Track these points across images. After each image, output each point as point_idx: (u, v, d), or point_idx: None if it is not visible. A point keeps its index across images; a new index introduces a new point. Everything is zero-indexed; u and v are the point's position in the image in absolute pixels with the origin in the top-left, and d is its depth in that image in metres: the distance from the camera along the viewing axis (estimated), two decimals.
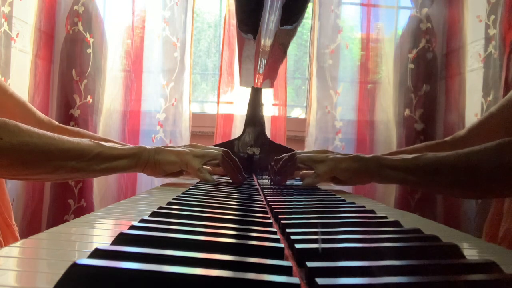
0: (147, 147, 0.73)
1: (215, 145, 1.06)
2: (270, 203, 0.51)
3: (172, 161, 0.74)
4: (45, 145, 0.55)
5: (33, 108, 0.86)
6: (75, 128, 1.00)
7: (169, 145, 1.42)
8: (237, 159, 0.81)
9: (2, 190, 0.77)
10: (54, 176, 0.61)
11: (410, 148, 0.92)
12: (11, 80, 1.20)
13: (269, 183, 0.88)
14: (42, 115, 0.87)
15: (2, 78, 1.15)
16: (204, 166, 0.78)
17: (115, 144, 0.70)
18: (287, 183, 0.84)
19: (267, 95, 1.42)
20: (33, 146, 0.53)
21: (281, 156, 1.02)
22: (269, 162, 1.06)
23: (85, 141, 0.62)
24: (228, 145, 1.14)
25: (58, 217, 1.35)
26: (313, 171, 0.77)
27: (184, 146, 0.82)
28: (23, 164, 0.54)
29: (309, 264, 0.24)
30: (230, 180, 0.82)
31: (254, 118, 1.19)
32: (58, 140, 0.57)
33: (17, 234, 0.78)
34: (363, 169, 0.71)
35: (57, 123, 0.90)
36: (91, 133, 0.99)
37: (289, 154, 0.83)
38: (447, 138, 0.90)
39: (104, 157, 0.63)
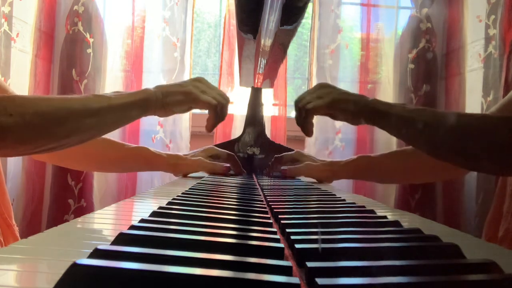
0: (152, 89, 0.70)
1: (215, 145, 1.07)
2: (270, 203, 0.51)
3: (180, 101, 0.73)
4: (57, 109, 0.54)
5: None
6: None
7: (170, 147, 1.42)
8: (238, 161, 0.82)
9: (2, 190, 0.77)
10: (71, 141, 0.59)
11: (411, 149, 0.92)
12: (11, 80, 1.20)
13: (269, 180, 0.88)
14: None
15: (2, 78, 1.15)
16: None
17: (118, 92, 0.68)
18: (287, 183, 0.84)
19: (267, 95, 1.42)
20: (45, 113, 0.52)
21: (281, 154, 1.03)
22: (269, 162, 1.06)
23: (92, 97, 0.61)
24: (228, 145, 1.14)
25: (58, 217, 1.35)
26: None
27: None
28: (39, 134, 0.52)
29: (309, 264, 0.24)
30: (230, 180, 0.82)
31: (254, 118, 1.19)
32: (68, 102, 0.56)
33: (18, 234, 0.78)
34: (359, 111, 0.70)
35: None
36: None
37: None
38: None
39: (116, 108, 0.62)
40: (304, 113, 0.77)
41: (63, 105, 0.55)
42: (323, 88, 0.77)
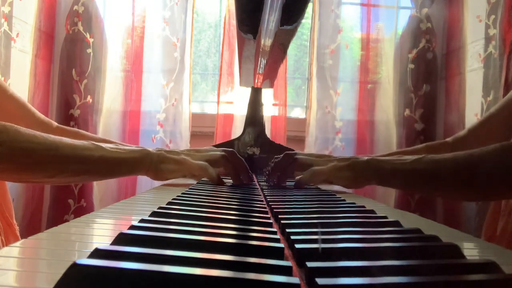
0: (151, 151, 0.70)
1: (215, 145, 1.06)
2: (270, 203, 0.51)
3: (174, 170, 0.72)
4: (46, 150, 0.54)
5: (32, 108, 0.86)
6: (74, 129, 1.00)
7: (170, 147, 1.42)
8: (243, 159, 0.81)
9: (4, 189, 0.77)
10: (55, 180, 0.60)
11: (411, 149, 0.92)
12: (11, 80, 1.20)
13: (269, 182, 0.88)
14: (41, 116, 0.87)
15: (2, 78, 1.15)
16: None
17: (117, 145, 0.69)
18: (287, 183, 0.84)
19: (267, 95, 1.42)
20: (34, 151, 0.53)
21: (280, 155, 1.02)
22: (269, 162, 1.06)
23: (87, 144, 0.61)
24: (228, 145, 1.14)
25: (58, 217, 1.35)
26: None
27: (188, 150, 0.81)
28: (24, 169, 0.54)
29: (309, 264, 0.24)
30: (232, 181, 0.82)
31: (254, 118, 1.19)
32: (59, 144, 0.56)
33: (18, 234, 0.78)
34: (359, 176, 0.70)
35: (56, 124, 0.90)
36: (91, 134, 0.98)
37: (286, 153, 0.82)
38: (448, 139, 0.90)
39: (106, 161, 0.62)
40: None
41: (53, 146, 0.55)
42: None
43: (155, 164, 0.70)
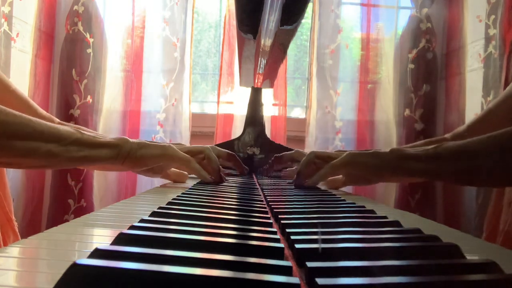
0: (130, 140, 0.68)
1: (215, 145, 1.06)
2: (270, 203, 0.51)
3: (157, 155, 0.70)
4: (19, 125, 0.51)
5: (34, 104, 0.86)
6: (76, 126, 1.00)
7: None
8: (239, 161, 0.81)
9: (4, 184, 0.77)
10: (27, 161, 0.56)
11: (410, 145, 0.92)
12: (11, 80, 1.19)
13: (269, 180, 0.88)
14: (43, 112, 0.87)
15: None
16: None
17: (96, 134, 0.67)
18: (287, 183, 0.84)
19: (267, 95, 1.42)
20: (8, 125, 0.50)
21: (281, 154, 1.02)
22: (269, 161, 1.06)
23: (64, 126, 0.59)
24: (228, 145, 1.14)
25: (58, 217, 1.35)
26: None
27: (172, 144, 0.79)
28: None
29: (309, 264, 0.24)
30: (230, 180, 0.82)
31: (254, 118, 1.19)
32: (35, 122, 0.54)
33: (17, 230, 0.78)
34: (384, 164, 0.66)
35: (58, 120, 0.90)
36: (92, 131, 0.98)
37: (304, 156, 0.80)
38: (446, 135, 0.90)
39: (83, 144, 0.59)
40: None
41: (30, 123, 0.53)
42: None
43: (135, 150, 0.67)
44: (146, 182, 1.42)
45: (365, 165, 0.68)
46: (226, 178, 0.83)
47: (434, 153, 0.60)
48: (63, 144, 0.56)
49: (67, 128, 0.59)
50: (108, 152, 0.64)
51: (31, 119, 0.53)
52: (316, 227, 0.36)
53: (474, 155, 0.56)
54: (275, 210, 0.46)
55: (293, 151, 1.03)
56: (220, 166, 0.82)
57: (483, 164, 0.56)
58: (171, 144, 0.75)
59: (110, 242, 0.28)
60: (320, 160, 0.76)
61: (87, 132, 0.64)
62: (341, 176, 0.83)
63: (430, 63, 1.44)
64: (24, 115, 0.53)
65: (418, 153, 0.63)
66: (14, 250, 0.29)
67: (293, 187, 0.77)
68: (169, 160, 0.74)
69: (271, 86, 1.31)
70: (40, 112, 0.86)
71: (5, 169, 0.77)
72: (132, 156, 0.67)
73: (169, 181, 0.89)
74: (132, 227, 0.32)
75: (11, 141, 0.51)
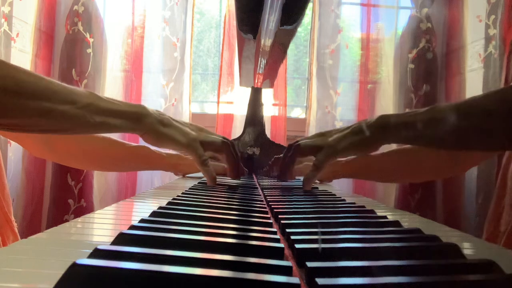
0: (150, 110, 0.63)
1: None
2: (270, 203, 0.51)
3: (178, 141, 0.65)
4: (35, 84, 0.48)
5: None
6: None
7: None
8: (238, 155, 0.78)
9: (3, 184, 0.77)
10: (40, 123, 0.51)
11: (409, 146, 0.92)
12: None
13: (269, 180, 0.88)
14: None
15: None
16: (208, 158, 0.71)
17: (115, 99, 0.60)
18: (287, 183, 0.84)
19: (267, 95, 1.42)
20: (19, 82, 0.46)
21: (281, 155, 1.02)
22: (269, 162, 1.06)
23: (81, 89, 0.55)
24: None
25: (58, 217, 1.35)
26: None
27: (191, 125, 0.73)
28: (7, 102, 0.46)
29: (309, 264, 0.24)
30: (228, 181, 0.81)
31: (254, 118, 1.19)
32: (49, 81, 0.50)
33: (16, 231, 0.78)
34: (368, 139, 0.62)
35: None
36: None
37: (290, 145, 0.75)
38: None
39: (100, 108, 0.55)
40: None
41: (43, 81, 0.49)
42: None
43: (157, 127, 0.62)
44: (146, 182, 1.42)
45: (348, 148, 0.64)
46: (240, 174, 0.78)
47: (425, 117, 0.57)
48: (78, 106, 0.52)
49: (84, 91, 0.54)
50: (126, 122, 0.59)
51: (45, 78, 0.50)
52: (316, 227, 0.36)
53: (470, 114, 0.53)
54: (275, 210, 0.46)
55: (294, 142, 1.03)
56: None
57: (480, 122, 0.52)
58: (198, 133, 0.69)
59: (110, 242, 0.28)
60: (304, 155, 0.72)
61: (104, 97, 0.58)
62: (302, 165, 0.83)
63: (430, 63, 1.44)
64: (37, 74, 0.49)
65: (406, 119, 0.59)
66: (14, 250, 0.29)
67: (293, 187, 0.77)
68: (186, 151, 0.68)
69: (271, 86, 1.31)
70: None
71: (4, 170, 0.77)
72: (153, 131, 0.62)
73: (169, 181, 0.88)
74: (132, 227, 0.32)
75: (24, 100, 0.47)
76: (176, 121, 0.67)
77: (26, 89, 0.47)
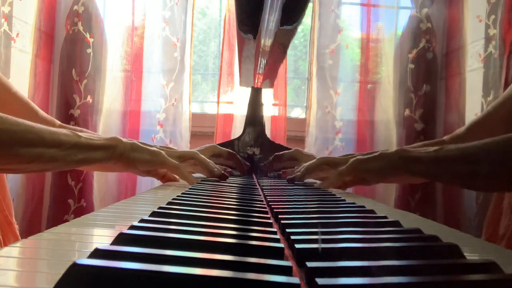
0: (123, 140, 0.71)
1: (217, 144, 1.06)
2: (270, 203, 0.51)
3: (146, 160, 0.73)
4: (25, 133, 0.53)
5: (35, 106, 0.86)
6: (78, 128, 1.00)
7: (170, 147, 1.42)
8: (240, 159, 0.81)
9: (3, 187, 0.77)
10: (31, 166, 0.58)
11: (409, 147, 0.92)
12: (11, 80, 1.20)
13: (269, 180, 0.88)
14: (44, 114, 0.87)
15: None
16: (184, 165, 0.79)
17: (91, 135, 0.69)
18: (287, 183, 0.84)
19: (267, 95, 1.42)
20: (12, 133, 0.51)
21: (281, 152, 1.02)
22: (268, 160, 1.06)
23: (63, 130, 0.61)
24: (228, 145, 1.14)
25: (58, 217, 1.35)
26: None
27: (161, 147, 0.82)
28: (2, 152, 0.52)
29: (309, 264, 0.24)
30: (230, 180, 0.82)
31: (254, 118, 1.19)
32: (37, 129, 0.56)
33: (18, 233, 0.78)
34: (388, 167, 0.68)
35: (59, 122, 0.90)
36: (93, 132, 0.98)
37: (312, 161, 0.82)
38: (445, 137, 0.90)
39: (81, 147, 0.62)
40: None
41: (32, 129, 0.55)
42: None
43: (128, 152, 0.70)
44: (146, 182, 1.41)
45: (371, 171, 0.70)
46: (228, 175, 0.84)
47: (435, 156, 0.61)
48: (63, 149, 0.59)
49: (66, 132, 0.61)
50: (103, 153, 0.67)
51: (33, 125, 0.55)
52: (316, 227, 0.36)
53: (475, 160, 0.57)
54: (275, 210, 0.46)
55: (293, 150, 1.03)
56: (218, 165, 0.84)
57: (483, 169, 0.56)
58: (162, 150, 0.77)
59: (110, 242, 0.28)
60: (327, 166, 0.79)
61: (84, 133, 0.66)
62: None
63: (430, 63, 1.44)
64: (26, 121, 0.54)
65: (420, 155, 0.64)
66: (14, 250, 0.29)
67: (293, 187, 0.77)
68: (159, 166, 0.77)
69: (271, 86, 1.31)
70: (41, 114, 0.86)
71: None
72: (124, 157, 0.70)
73: (169, 181, 0.89)
74: (132, 227, 0.32)
75: (16, 148, 0.52)
76: (146, 144, 0.75)
77: (17, 139, 0.52)
